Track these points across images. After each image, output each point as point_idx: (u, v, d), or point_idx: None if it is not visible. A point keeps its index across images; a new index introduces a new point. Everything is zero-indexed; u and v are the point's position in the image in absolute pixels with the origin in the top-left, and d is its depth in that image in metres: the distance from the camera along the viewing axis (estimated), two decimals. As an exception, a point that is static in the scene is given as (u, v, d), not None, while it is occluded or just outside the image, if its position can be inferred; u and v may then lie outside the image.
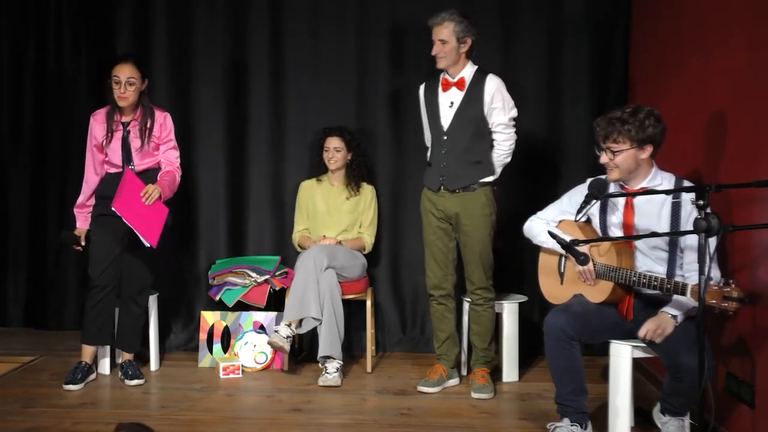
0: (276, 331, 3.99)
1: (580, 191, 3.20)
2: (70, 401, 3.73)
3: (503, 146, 3.82)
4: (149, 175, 3.99)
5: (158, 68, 4.72)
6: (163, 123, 4.03)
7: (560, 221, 3.33)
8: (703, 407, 2.40)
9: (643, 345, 3.03)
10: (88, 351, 4.00)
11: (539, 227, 3.34)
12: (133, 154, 3.95)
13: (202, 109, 4.75)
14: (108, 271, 3.93)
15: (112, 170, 3.99)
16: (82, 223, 4.06)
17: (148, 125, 3.96)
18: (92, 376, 4.03)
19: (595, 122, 3.08)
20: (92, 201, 4.03)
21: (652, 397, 3.51)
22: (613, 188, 3.10)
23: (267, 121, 4.73)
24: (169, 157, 4.05)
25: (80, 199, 4.06)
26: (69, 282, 4.98)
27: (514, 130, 3.84)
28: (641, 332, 2.89)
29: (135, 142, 3.95)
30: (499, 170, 3.88)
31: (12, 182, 5.05)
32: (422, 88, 3.99)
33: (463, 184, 3.80)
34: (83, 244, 4.03)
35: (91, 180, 4.03)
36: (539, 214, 3.41)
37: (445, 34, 3.73)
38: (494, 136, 3.82)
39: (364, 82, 4.66)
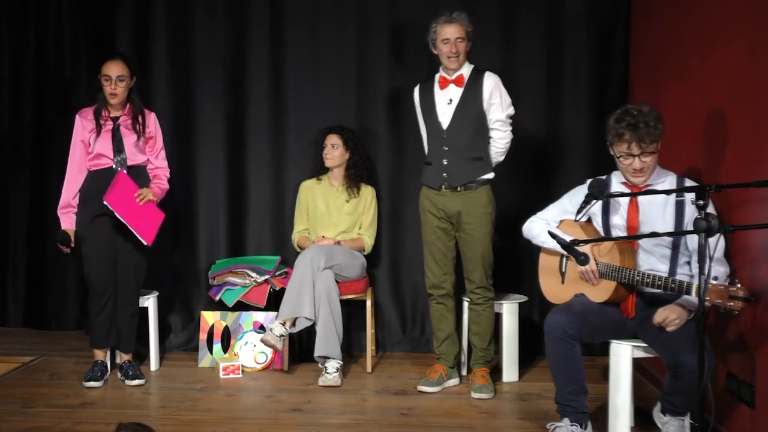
0: (270, 329, 3.99)
1: (580, 191, 3.20)
2: (70, 401, 3.73)
3: (499, 144, 3.82)
4: (139, 172, 4.00)
5: (158, 68, 4.73)
6: (154, 121, 4.07)
7: (561, 221, 3.33)
8: (703, 407, 2.40)
9: (644, 345, 3.04)
10: (100, 351, 4.04)
11: (539, 227, 3.34)
12: (125, 147, 3.94)
13: (202, 109, 4.75)
14: (106, 275, 3.94)
15: (99, 166, 3.93)
16: (69, 223, 3.99)
17: (140, 120, 3.99)
18: (108, 374, 4.06)
19: (614, 130, 3.00)
20: (76, 200, 3.98)
21: (652, 397, 3.51)
22: (615, 188, 3.10)
23: (267, 121, 4.73)
24: (161, 163, 4.11)
25: (64, 200, 3.99)
26: (69, 282, 4.99)
27: (511, 128, 3.84)
28: (658, 317, 2.86)
29: (127, 136, 3.95)
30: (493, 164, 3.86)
31: (12, 182, 5.05)
32: (417, 90, 3.99)
33: (465, 180, 3.80)
34: (73, 245, 4.00)
35: (74, 179, 3.98)
36: (539, 214, 3.41)
37: (462, 32, 3.74)
38: (491, 133, 3.82)
39: (364, 82, 4.66)
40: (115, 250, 3.96)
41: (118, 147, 3.93)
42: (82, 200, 3.97)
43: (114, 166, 3.92)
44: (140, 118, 3.99)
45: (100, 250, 3.93)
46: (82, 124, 3.95)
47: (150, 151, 4.08)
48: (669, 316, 2.87)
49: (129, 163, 3.95)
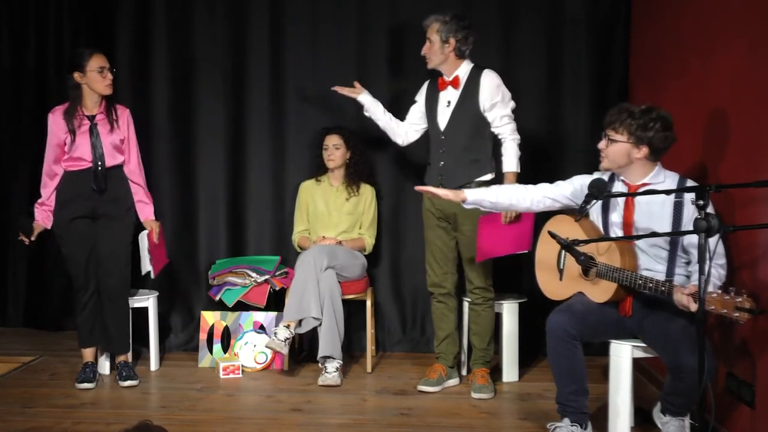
0: (274, 334, 3.99)
1: (588, 178, 3.17)
2: (70, 401, 3.73)
3: (516, 136, 3.79)
4: (116, 174, 3.97)
5: (158, 68, 4.72)
6: (128, 118, 4.03)
7: (558, 219, 3.30)
8: (704, 407, 2.40)
9: (643, 345, 3.03)
10: (88, 352, 4.02)
11: (521, 191, 3.28)
12: (104, 148, 3.90)
13: (202, 109, 4.74)
14: (87, 273, 3.93)
15: (77, 167, 3.89)
16: (43, 219, 3.93)
17: (114, 117, 3.95)
18: (98, 375, 4.06)
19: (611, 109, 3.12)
20: (52, 199, 3.93)
21: (652, 397, 3.51)
22: (616, 186, 3.10)
23: (267, 121, 4.72)
24: (137, 172, 4.05)
25: (43, 197, 3.94)
26: (69, 282, 4.97)
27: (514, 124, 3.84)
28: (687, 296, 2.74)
29: (105, 135, 3.91)
30: (518, 162, 3.78)
31: (12, 182, 5.05)
32: (427, 83, 4.02)
33: (460, 182, 3.79)
34: (33, 239, 3.91)
35: (50, 180, 3.93)
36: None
37: (429, 34, 3.79)
38: (501, 129, 3.79)
39: (364, 82, 4.61)
40: (97, 251, 3.94)
41: (96, 148, 3.88)
42: (61, 201, 3.92)
43: (92, 167, 3.88)
44: (114, 116, 3.94)
45: (79, 251, 3.91)
46: (57, 123, 3.87)
47: (125, 152, 4.01)
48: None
49: (108, 164, 3.91)
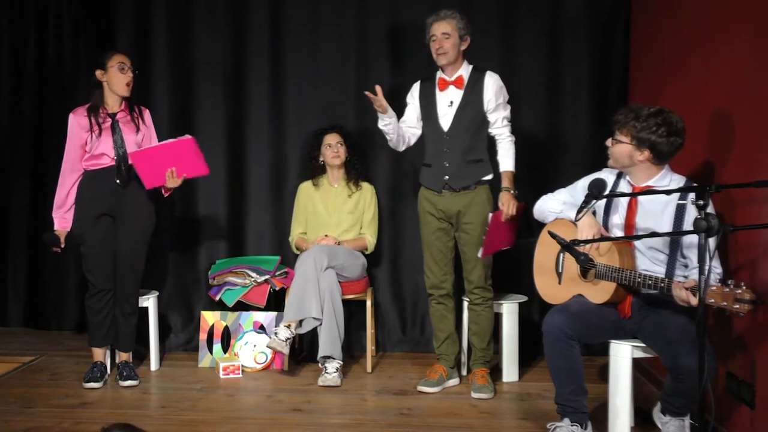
0: (275, 334, 3.99)
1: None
2: (70, 401, 3.73)
3: (513, 137, 3.81)
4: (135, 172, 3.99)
5: (158, 68, 4.73)
6: (149, 118, 4.08)
7: (557, 220, 3.31)
8: (704, 407, 2.40)
9: (643, 345, 3.04)
10: (99, 352, 4.04)
11: (553, 204, 3.32)
12: (126, 144, 3.92)
13: (202, 109, 4.75)
14: (108, 274, 3.95)
15: (99, 166, 3.91)
16: (63, 224, 3.96)
17: (136, 115, 3.99)
18: (107, 375, 4.07)
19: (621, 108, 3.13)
20: (70, 200, 3.95)
21: (652, 397, 3.51)
22: (622, 185, 3.10)
23: (267, 121, 4.73)
24: None
25: (58, 199, 3.96)
26: (69, 282, 4.98)
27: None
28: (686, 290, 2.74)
29: (127, 132, 3.93)
30: (514, 162, 3.81)
31: (12, 182, 5.05)
32: (418, 85, 3.98)
33: (467, 182, 3.80)
34: (62, 246, 3.96)
35: (68, 180, 3.95)
36: (550, 194, 3.39)
37: (449, 29, 3.74)
38: (499, 131, 3.80)
39: (363, 82, 4.65)
40: (115, 249, 3.96)
41: (119, 144, 3.91)
42: (82, 200, 3.94)
43: (114, 164, 3.90)
44: (136, 113, 4.00)
45: (100, 250, 3.93)
46: (78, 123, 3.91)
47: None
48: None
49: (130, 161, 3.94)
